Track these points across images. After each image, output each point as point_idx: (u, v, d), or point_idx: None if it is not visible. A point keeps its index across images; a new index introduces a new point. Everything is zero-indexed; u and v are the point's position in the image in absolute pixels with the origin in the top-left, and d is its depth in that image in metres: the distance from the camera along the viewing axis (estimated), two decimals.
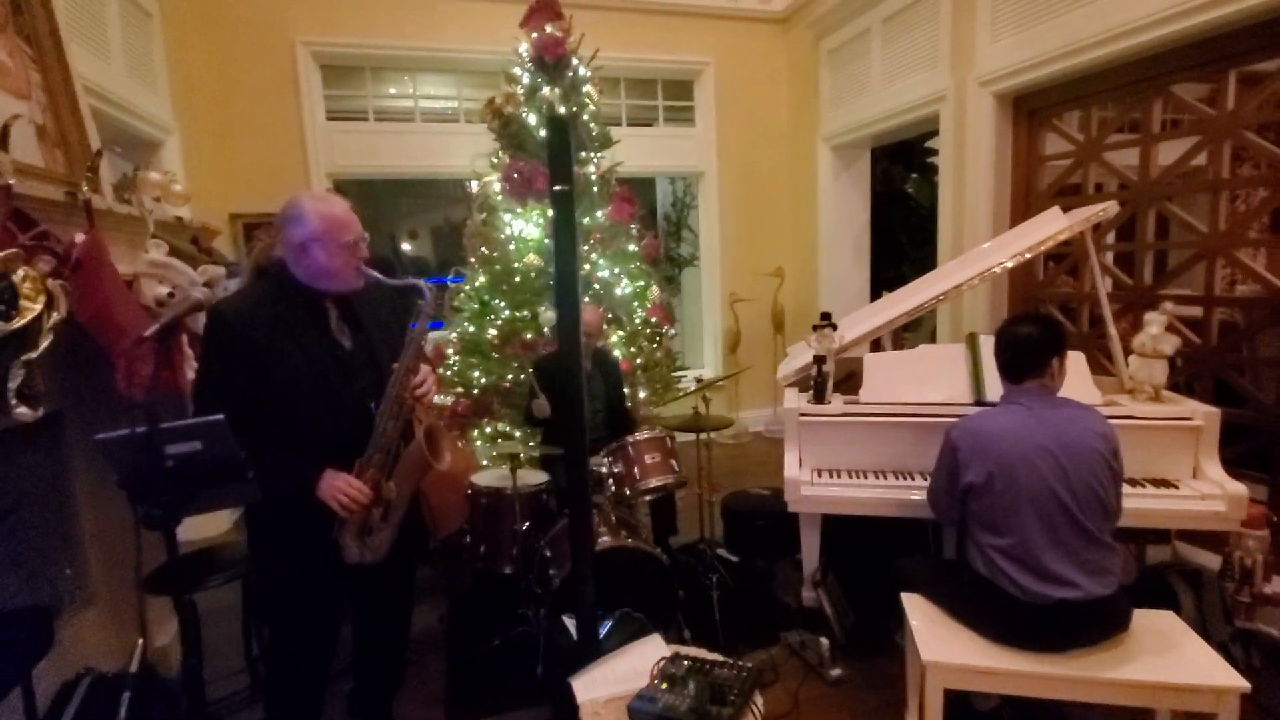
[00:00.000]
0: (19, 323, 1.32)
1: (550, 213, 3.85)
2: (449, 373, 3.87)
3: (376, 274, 1.71)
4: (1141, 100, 3.05)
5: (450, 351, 3.91)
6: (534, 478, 2.83)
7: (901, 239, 5.54)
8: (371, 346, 1.74)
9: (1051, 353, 1.78)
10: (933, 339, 4.54)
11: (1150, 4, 2.74)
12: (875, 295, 5.33)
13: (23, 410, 1.34)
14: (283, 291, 1.63)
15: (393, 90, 5.00)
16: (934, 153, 5.67)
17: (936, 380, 2.49)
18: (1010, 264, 2.55)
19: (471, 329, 3.92)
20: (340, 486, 1.60)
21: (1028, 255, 2.56)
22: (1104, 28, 2.94)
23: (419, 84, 4.95)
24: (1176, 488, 2.20)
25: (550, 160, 1.74)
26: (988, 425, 1.79)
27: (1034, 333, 1.78)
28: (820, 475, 2.41)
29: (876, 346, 4.05)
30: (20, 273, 1.33)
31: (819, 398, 2.53)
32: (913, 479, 2.35)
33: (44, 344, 1.38)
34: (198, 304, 1.37)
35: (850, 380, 2.87)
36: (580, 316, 1.79)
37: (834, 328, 2.59)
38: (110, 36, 3.16)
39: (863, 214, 5.29)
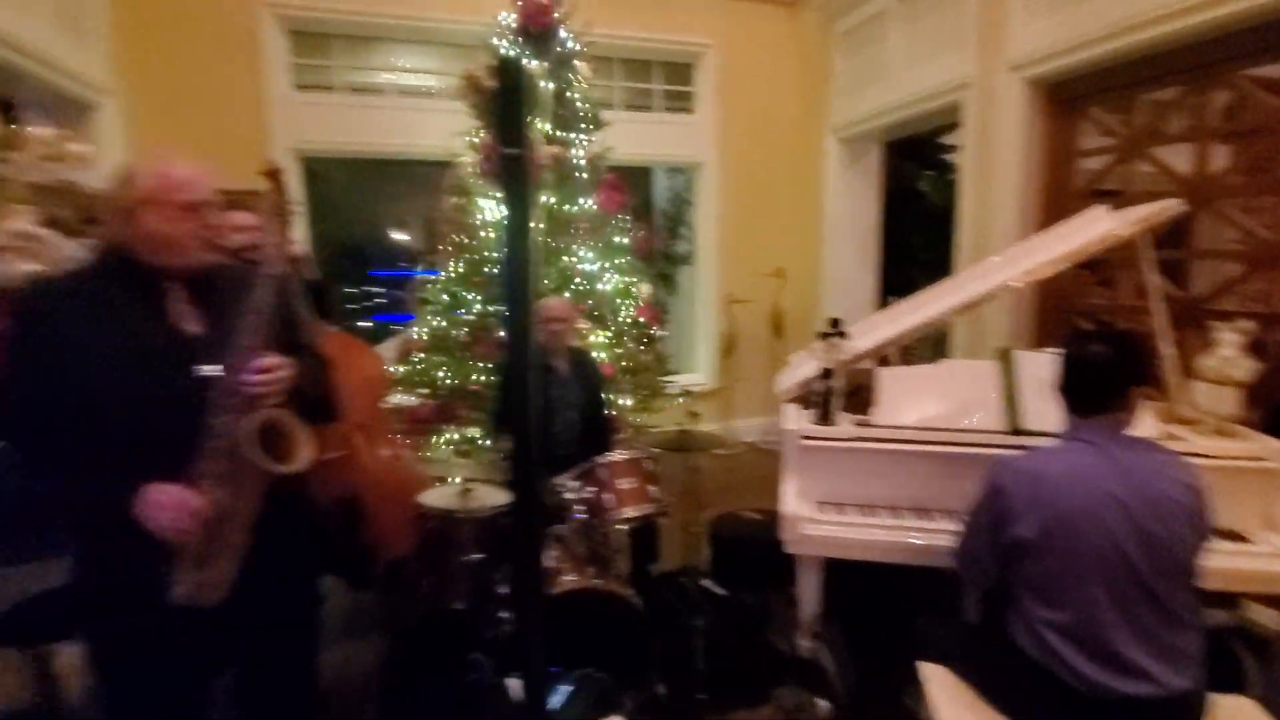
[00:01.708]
0: None
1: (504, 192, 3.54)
2: (414, 371, 3.51)
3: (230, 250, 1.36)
4: (1197, 89, 2.69)
5: (414, 350, 3.54)
6: (493, 498, 2.45)
7: (913, 240, 5.18)
8: (230, 333, 1.36)
9: (1132, 381, 1.42)
10: (938, 353, 4.19)
11: None
12: (883, 301, 4.97)
13: None
14: (115, 268, 1.31)
15: (370, 62, 4.60)
16: (949, 149, 5.32)
17: (964, 402, 2.12)
18: (1053, 269, 2.19)
19: (440, 324, 3.55)
20: (163, 501, 1.23)
21: (1070, 259, 2.20)
22: (1157, 5, 2.59)
23: (396, 55, 4.56)
24: (1248, 541, 1.85)
25: (500, 116, 1.37)
26: (1046, 467, 1.43)
27: (1111, 355, 1.42)
28: (825, 510, 2.04)
29: (884, 363, 3.71)
30: None
31: (825, 418, 2.16)
32: (934, 519, 1.99)
33: None
34: None
35: (857, 396, 2.51)
36: (530, 315, 1.41)
37: (844, 336, 2.22)
38: None
39: (872, 213, 4.93)
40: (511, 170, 1.39)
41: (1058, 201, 3.26)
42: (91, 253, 1.30)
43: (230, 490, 1.29)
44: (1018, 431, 2.01)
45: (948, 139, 5.31)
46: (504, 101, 1.39)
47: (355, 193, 6.58)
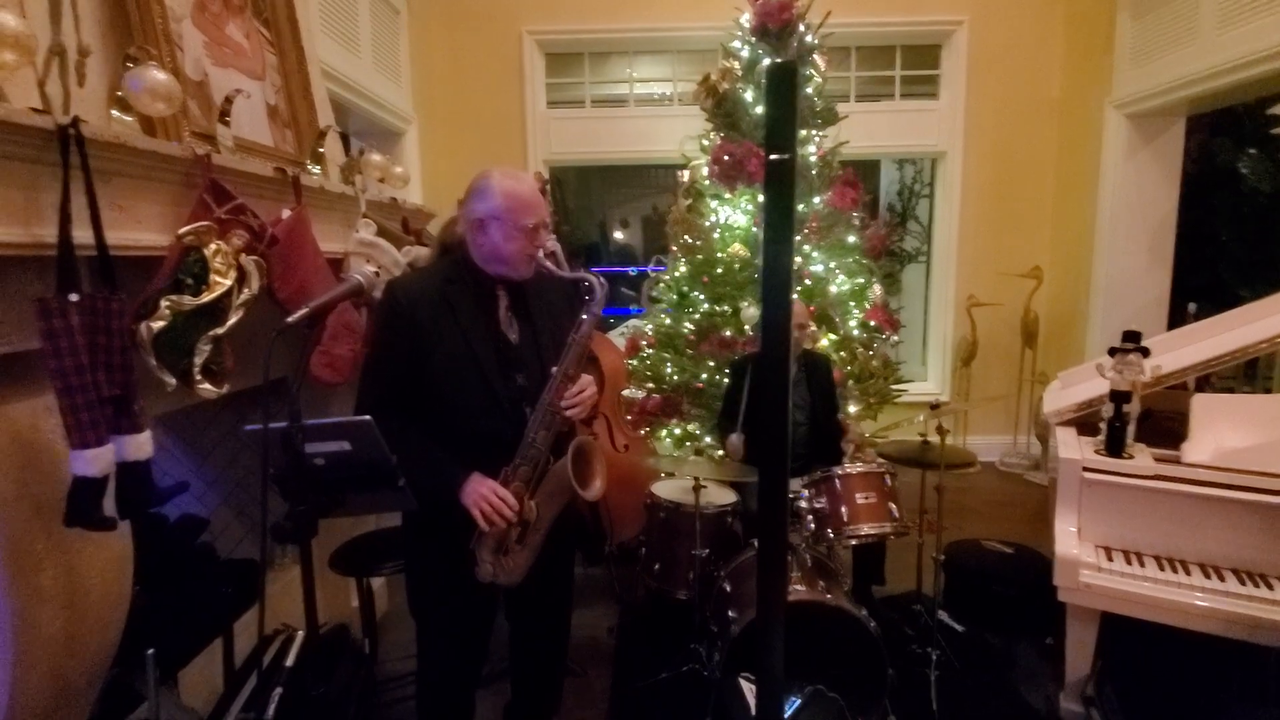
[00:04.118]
0: (208, 297, 1.29)
1: (761, 196, 3.52)
2: (643, 365, 3.70)
3: (550, 265, 1.50)
4: None
5: (644, 344, 3.72)
6: (720, 497, 2.49)
7: (1223, 235, 4.22)
8: (539, 343, 1.53)
9: None
10: (1251, 382, 3.35)
11: None
12: (1177, 307, 4.13)
13: (206, 386, 1.31)
14: (457, 272, 1.51)
15: (611, 75, 4.94)
16: (1278, 122, 4.24)
17: None
18: None
19: (668, 321, 3.70)
20: (484, 494, 1.42)
21: None
22: None
23: (635, 67, 4.82)
24: None
25: (768, 121, 1.36)
26: None
27: None
28: (1112, 558, 1.75)
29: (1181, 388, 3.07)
30: (213, 246, 1.30)
31: (1115, 449, 1.84)
32: (1271, 587, 1.60)
33: (232, 320, 1.34)
34: (357, 288, 1.24)
35: (1149, 422, 2.10)
36: (790, 315, 1.39)
37: (1145, 353, 1.87)
38: (361, 32, 3.40)
39: (1167, 201, 4.10)
40: (778, 175, 1.40)
41: None
42: (439, 257, 1.53)
43: (538, 496, 1.46)
44: None
45: (1278, 109, 4.23)
46: (772, 105, 1.39)
47: (591, 195, 7.13)
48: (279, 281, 1.55)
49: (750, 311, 3.33)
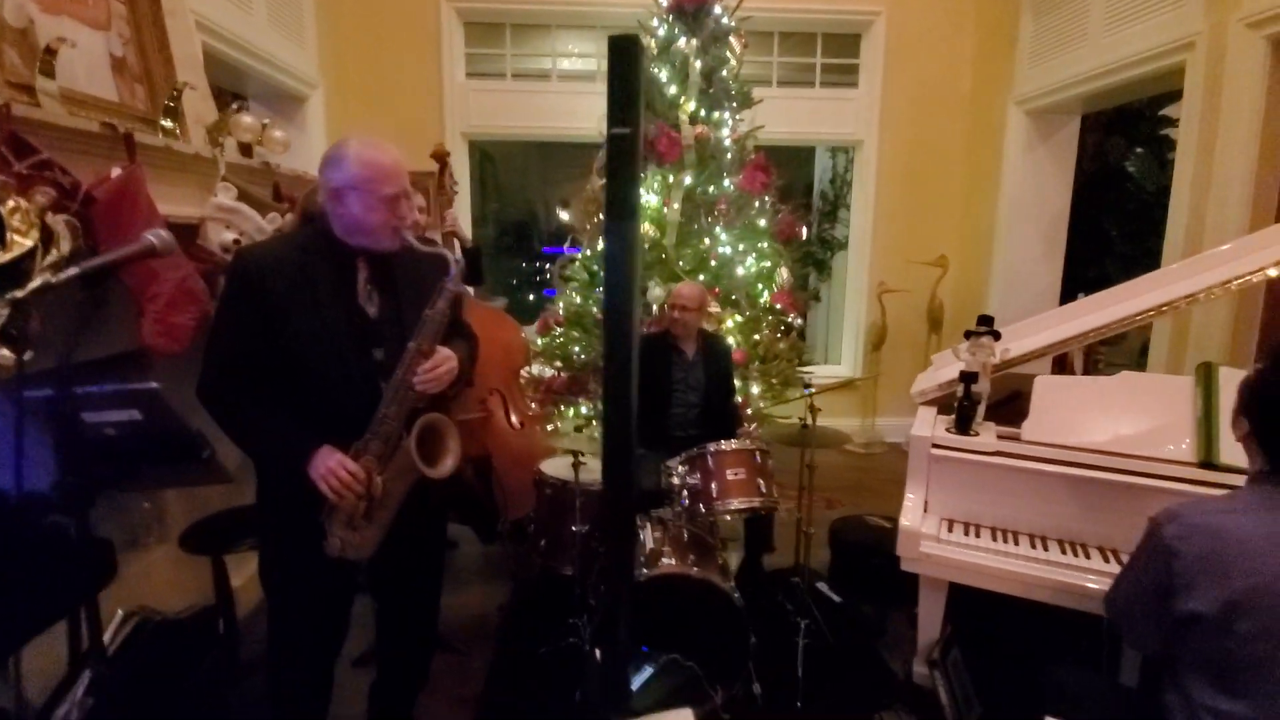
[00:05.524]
0: (5, 258, 1.21)
1: (672, 176, 3.53)
2: (553, 344, 3.69)
3: (410, 239, 1.47)
4: None
5: (553, 323, 3.70)
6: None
7: (1111, 230, 4.47)
8: (402, 319, 1.50)
9: None
10: (1139, 364, 3.59)
11: None
12: (1068, 298, 4.36)
13: (3, 352, 1.23)
14: (314, 242, 1.46)
15: (534, 49, 4.84)
16: (1172, 123, 4.50)
17: (1142, 424, 1.80)
18: None
19: (578, 300, 3.69)
20: (332, 467, 1.39)
21: None
22: None
23: (557, 41, 4.74)
24: None
25: (609, 92, 1.35)
26: (1234, 526, 1.14)
27: None
28: (952, 529, 1.85)
29: (1062, 369, 3.25)
30: (10, 204, 1.21)
31: (963, 427, 1.94)
32: (1087, 556, 1.72)
33: (36, 283, 1.26)
34: (149, 248, 1.17)
35: (1013, 404, 2.22)
36: (634, 304, 1.40)
37: (996, 336, 1.97)
38: None
39: (1061, 196, 4.31)
40: (618, 150, 1.39)
41: None
42: (295, 225, 1.45)
43: (387, 473, 1.44)
44: (1209, 465, 1.66)
45: (1170, 110, 4.48)
46: (615, 79, 1.39)
47: (527, 173, 6.98)
48: (103, 246, 1.46)
49: (656, 292, 3.35)
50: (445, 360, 1.50)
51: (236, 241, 1.98)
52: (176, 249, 1.39)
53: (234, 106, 2.20)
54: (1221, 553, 1.13)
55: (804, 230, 5.48)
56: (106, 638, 1.69)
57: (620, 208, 1.39)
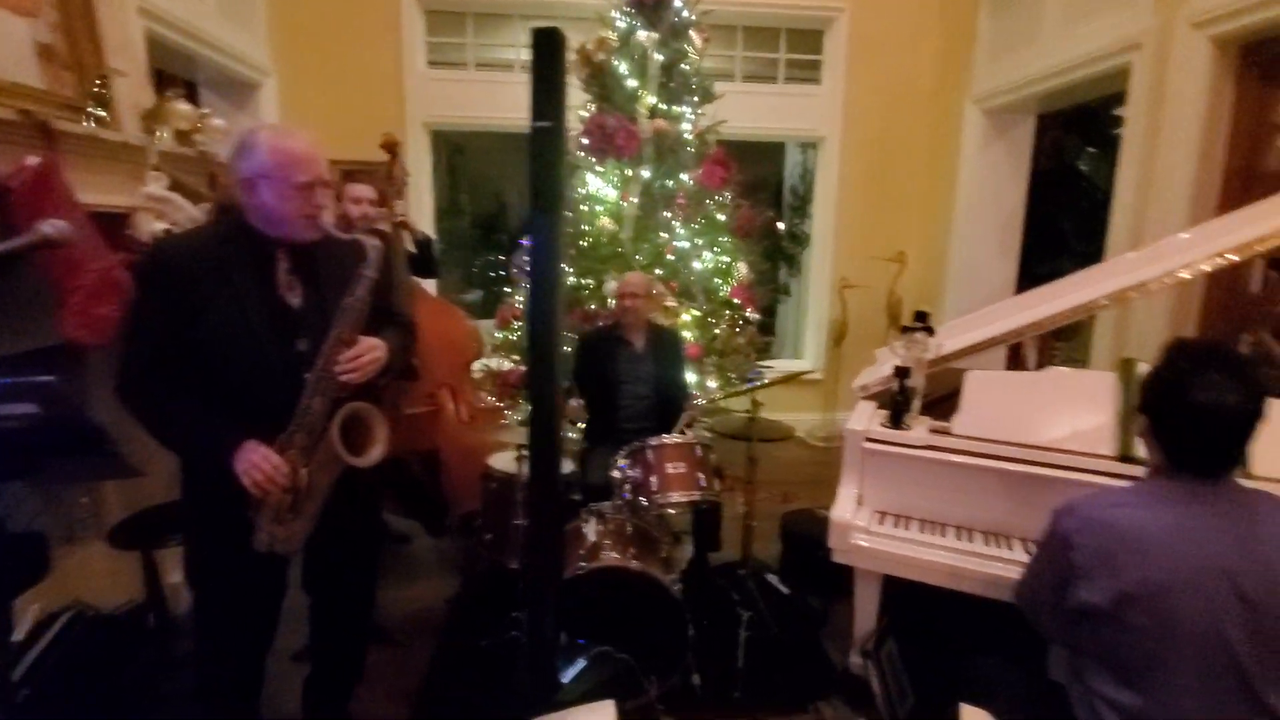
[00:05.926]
0: None
1: (630, 170, 3.52)
2: (510, 337, 3.67)
3: (328, 226, 1.45)
4: None
5: (511, 317, 3.68)
6: None
7: (1065, 227, 4.55)
8: (325, 309, 1.48)
9: (1258, 427, 1.13)
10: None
11: None
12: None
13: None
14: (232, 232, 1.44)
15: (497, 39, 4.78)
16: (1123, 123, 4.59)
17: (1066, 418, 1.84)
18: (1230, 258, 1.82)
19: None
20: (256, 461, 1.37)
21: (1262, 247, 1.82)
22: None
23: (520, 32, 4.69)
24: None
25: (533, 85, 1.34)
26: (1129, 519, 1.16)
27: (1243, 401, 1.10)
28: (883, 522, 1.88)
29: (1017, 363, 3.29)
30: None
31: (896, 421, 1.97)
32: (1010, 548, 1.76)
33: None
34: (42, 239, 1.15)
35: (955, 400, 2.26)
36: (556, 304, 1.39)
37: (929, 332, 2.00)
38: None
39: (1016, 193, 4.38)
40: (542, 143, 1.39)
41: (1245, 186, 2.69)
42: (211, 216, 1.43)
43: (312, 464, 1.42)
44: (1128, 459, 1.71)
45: (1123, 110, 4.57)
46: (538, 72, 1.38)
47: (501, 165, 6.87)
48: (21, 235, 1.42)
49: (611, 285, 3.35)
50: (369, 349, 1.49)
51: (168, 232, 1.94)
52: (92, 239, 1.36)
53: (167, 94, 2.14)
54: (1115, 546, 1.16)
55: (779, 225, 5.53)
56: (22, 634, 1.66)
57: (545, 200, 1.39)
